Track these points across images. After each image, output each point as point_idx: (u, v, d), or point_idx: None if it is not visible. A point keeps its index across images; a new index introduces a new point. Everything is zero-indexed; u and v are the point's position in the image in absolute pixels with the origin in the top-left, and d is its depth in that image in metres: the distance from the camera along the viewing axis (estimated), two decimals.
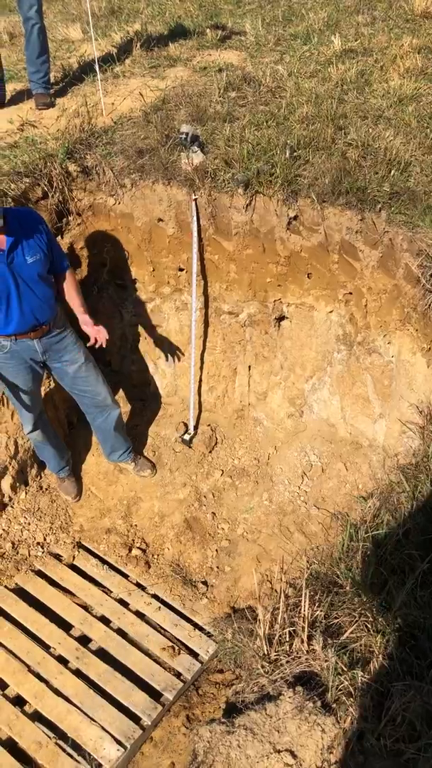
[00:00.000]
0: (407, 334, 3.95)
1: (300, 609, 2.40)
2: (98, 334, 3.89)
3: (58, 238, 4.41)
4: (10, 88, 5.21)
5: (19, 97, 5.08)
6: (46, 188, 4.22)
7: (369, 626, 2.35)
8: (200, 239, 4.29)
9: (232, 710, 2.27)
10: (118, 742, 3.37)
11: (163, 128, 4.39)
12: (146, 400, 5.05)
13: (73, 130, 4.47)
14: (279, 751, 1.99)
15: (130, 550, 4.29)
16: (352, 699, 2.14)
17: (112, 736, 3.39)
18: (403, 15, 5.87)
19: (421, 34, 5.39)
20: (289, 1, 6.53)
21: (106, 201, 4.38)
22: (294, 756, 1.97)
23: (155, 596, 4.07)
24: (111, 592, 4.09)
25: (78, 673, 3.67)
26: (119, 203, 4.37)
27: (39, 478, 4.53)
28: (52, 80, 5.09)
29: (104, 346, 3.93)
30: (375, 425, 4.33)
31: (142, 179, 4.26)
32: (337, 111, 4.39)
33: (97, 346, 3.92)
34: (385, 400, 4.22)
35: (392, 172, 3.92)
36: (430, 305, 3.63)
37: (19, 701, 3.58)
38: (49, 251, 3.53)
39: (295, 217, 4.03)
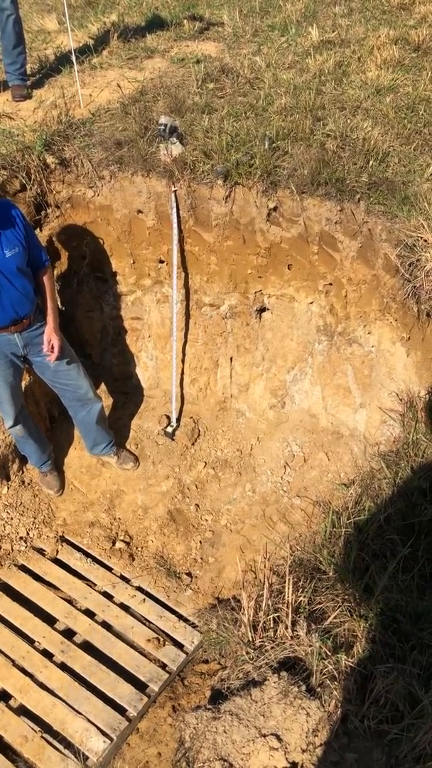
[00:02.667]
0: (387, 323, 3.98)
1: (284, 595, 2.41)
2: (51, 347, 3.73)
3: (37, 230, 4.38)
4: None
5: None
6: (23, 181, 4.19)
7: (352, 611, 2.38)
8: (180, 231, 4.28)
9: (217, 697, 2.28)
10: (104, 734, 3.37)
11: (141, 120, 4.38)
12: (128, 393, 5.04)
13: (51, 121, 4.44)
14: (265, 735, 2.00)
15: (113, 543, 4.29)
16: (336, 682, 2.16)
17: (98, 728, 3.40)
18: (379, 6, 5.89)
19: (397, 26, 5.42)
20: None
21: (85, 193, 4.36)
22: (279, 739, 1.99)
23: (139, 588, 4.08)
24: (95, 585, 4.09)
25: (63, 667, 3.67)
26: (98, 195, 4.35)
27: (21, 472, 4.51)
28: (28, 72, 5.04)
29: (52, 360, 3.77)
30: (356, 415, 4.36)
31: (121, 171, 4.24)
32: (315, 102, 4.40)
33: (46, 360, 3.80)
34: (365, 390, 4.25)
35: (370, 162, 3.94)
36: (408, 295, 3.65)
37: (3, 696, 3.57)
38: (27, 243, 3.50)
39: (275, 208, 4.03)
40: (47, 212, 4.42)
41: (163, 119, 4.12)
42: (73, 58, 4.79)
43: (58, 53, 5.57)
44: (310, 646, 2.26)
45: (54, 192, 4.37)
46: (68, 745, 3.35)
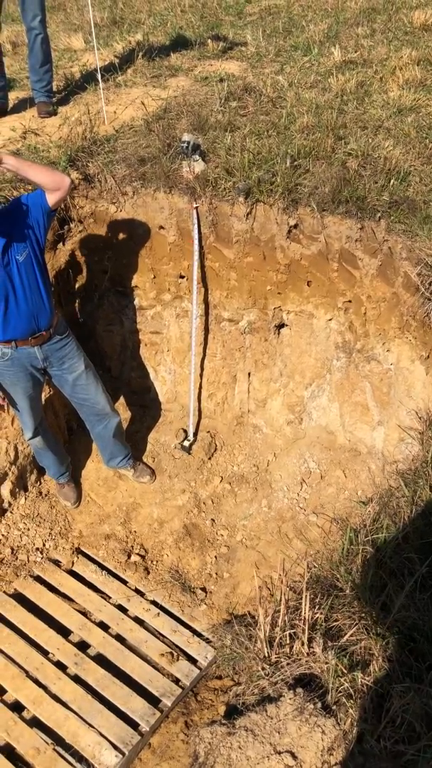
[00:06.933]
0: (406, 341, 3.98)
1: (300, 612, 2.40)
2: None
3: (60, 244, 4.44)
4: (13, 96, 5.26)
5: (21, 106, 5.13)
6: None
7: (369, 629, 2.36)
8: (201, 247, 4.32)
9: (232, 712, 2.27)
10: (116, 748, 3.36)
11: (164, 137, 4.43)
12: (146, 406, 5.06)
13: (75, 138, 4.51)
14: (279, 752, 1.99)
15: (129, 556, 4.29)
16: (352, 701, 2.15)
17: (110, 742, 3.38)
18: (402, 27, 5.93)
19: (420, 47, 5.45)
20: (289, 13, 6.61)
21: (108, 208, 4.41)
22: (294, 757, 1.98)
23: (154, 602, 4.07)
24: (110, 597, 4.08)
25: (76, 679, 3.67)
26: (121, 211, 4.40)
27: (38, 483, 4.54)
28: (54, 89, 5.13)
29: None
30: (374, 432, 4.35)
31: (144, 187, 4.29)
32: (337, 121, 4.43)
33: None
34: (383, 408, 4.24)
35: (392, 181, 3.96)
36: (428, 313, 3.65)
37: (17, 707, 3.57)
38: (38, 231, 3.43)
39: (296, 226, 4.06)
40: (70, 227, 4.47)
41: (185, 137, 4.17)
42: (99, 75, 4.87)
43: (83, 71, 5.67)
44: (327, 663, 2.24)
45: (77, 207, 4.43)
46: (80, 758, 3.34)
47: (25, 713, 3.54)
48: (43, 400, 4.16)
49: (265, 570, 4.10)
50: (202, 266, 4.43)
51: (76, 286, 4.69)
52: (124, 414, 4.90)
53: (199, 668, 3.73)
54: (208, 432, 4.83)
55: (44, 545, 4.29)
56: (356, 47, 5.59)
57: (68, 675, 3.68)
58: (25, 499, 4.43)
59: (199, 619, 3.99)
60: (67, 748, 3.38)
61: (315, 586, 2.63)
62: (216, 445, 4.78)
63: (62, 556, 4.26)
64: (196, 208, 4.15)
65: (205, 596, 4.12)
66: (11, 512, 4.35)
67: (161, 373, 5.00)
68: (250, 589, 3.99)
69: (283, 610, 2.45)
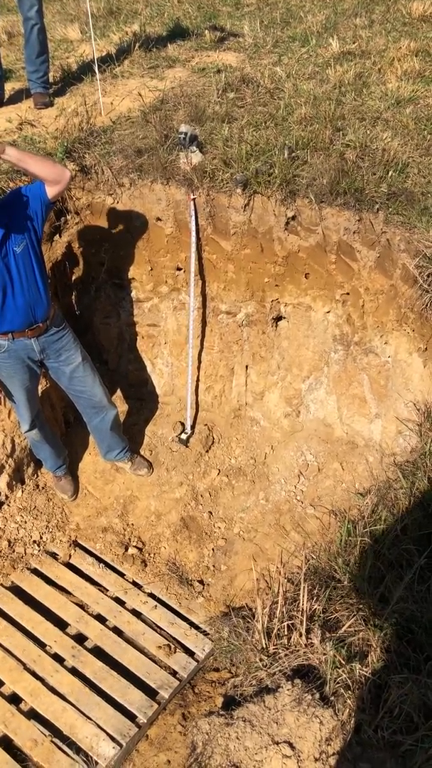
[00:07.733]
0: (404, 334, 3.97)
1: (298, 603, 2.40)
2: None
3: (56, 236, 4.42)
4: (9, 87, 5.23)
5: (17, 97, 5.09)
6: None
7: (366, 620, 2.36)
8: (198, 239, 4.30)
9: (230, 703, 2.27)
10: (114, 740, 3.36)
11: (161, 128, 4.40)
12: (143, 399, 5.05)
13: (72, 129, 4.48)
14: (277, 743, 1.99)
15: (126, 549, 4.29)
16: (350, 692, 2.15)
17: (108, 734, 3.38)
18: (400, 18, 5.91)
19: (418, 38, 5.43)
20: (287, 3, 6.58)
21: (105, 200, 4.39)
22: (292, 747, 1.98)
23: (151, 595, 4.07)
24: (107, 590, 4.08)
25: (74, 671, 3.67)
26: (118, 202, 4.38)
27: (35, 476, 4.52)
28: (50, 80, 5.10)
29: None
30: (371, 425, 4.35)
31: (141, 179, 4.27)
32: (335, 112, 4.41)
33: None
34: (381, 400, 4.23)
35: (390, 173, 3.95)
36: (426, 305, 3.64)
37: (14, 699, 3.57)
38: (36, 223, 3.41)
39: (293, 218, 4.05)
40: (67, 218, 4.45)
41: (183, 128, 4.15)
42: (95, 66, 4.84)
43: (80, 62, 5.63)
44: (324, 654, 2.24)
45: (74, 198, 4.41)
46: (78, 750, 3.34)
47: (22, 705, 3.54)
48: (39, 392, 4.15)
49: (263, 562, 4.10)
50: (199, 258, 4.41)
51: (73, 278, 4.67)
52: (122, 407, 4.89)
53: (197, 660, 3.73)
54: (206, 425, 4.82)
55: (41, 538, 4.28)
56: (354, 38, 5.57)
57: (65, 667, 3.68)
58: (22, 491, 4.42)
59: (196, 611, 3.99)
60: (65, 739, 3.39)
61: (313, 577, 2.63)
62: (213, 438, 4.77)
63: (59, 549, 4.26)
64: (194, 199, 4.13)
65: (203, 589, 4.12)
66: (8, 505, 4.34)
67: (158, 365, 4.99)
68: (248, 581, 3.99)
69: (281, 602, 2.44)
